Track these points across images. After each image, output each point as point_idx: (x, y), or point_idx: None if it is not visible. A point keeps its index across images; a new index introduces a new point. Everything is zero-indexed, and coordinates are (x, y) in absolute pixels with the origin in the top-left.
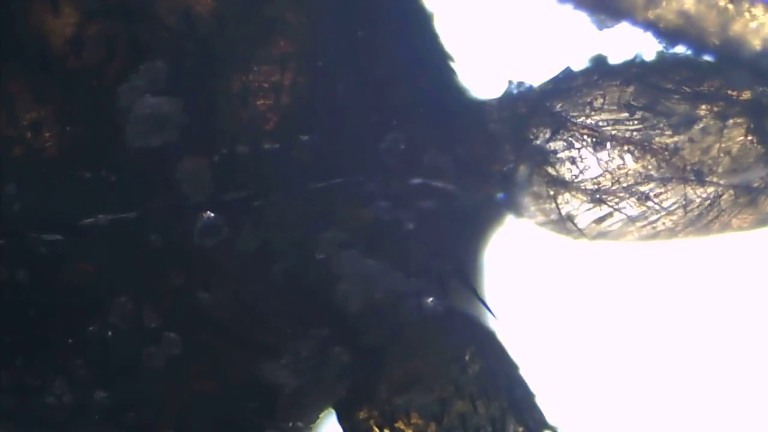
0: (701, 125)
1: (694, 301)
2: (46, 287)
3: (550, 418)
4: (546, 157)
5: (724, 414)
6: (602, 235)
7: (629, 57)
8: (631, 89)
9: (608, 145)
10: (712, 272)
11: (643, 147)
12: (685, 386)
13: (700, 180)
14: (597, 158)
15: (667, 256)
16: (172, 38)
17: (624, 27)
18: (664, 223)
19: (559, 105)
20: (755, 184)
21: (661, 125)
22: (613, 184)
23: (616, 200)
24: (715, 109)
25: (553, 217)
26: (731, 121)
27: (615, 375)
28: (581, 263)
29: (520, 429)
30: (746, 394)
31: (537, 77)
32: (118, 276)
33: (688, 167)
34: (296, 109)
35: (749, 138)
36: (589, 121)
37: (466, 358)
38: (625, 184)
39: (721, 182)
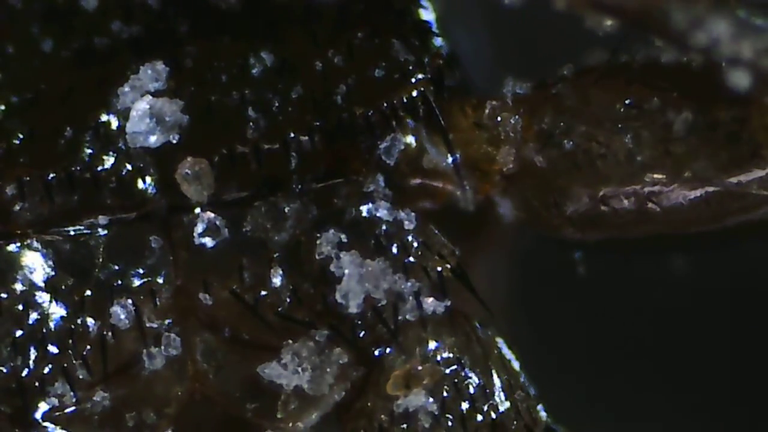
0: (689, 125)
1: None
2: (47, 287)
3: (551, 419)
4: (544, 158)
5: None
6: (600, 234)
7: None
8: (625, 89)
9: (607, 146)
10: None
11: (641, 147)
12: (685, 385)
13: (696, 180)
14: (596, 159)
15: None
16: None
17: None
18: (662, 222)
19: (556, 106)
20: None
21: (656, 125)
22: (612, 184)
23: (616, 200)
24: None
25: (552, 216)
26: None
27: (614, 373)
28: (579, 262)
29: (521, 430)
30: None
31: (535, 79)
32: (117, 276)
33: (686, 168)
34: (296, 110)
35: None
36: (586, 123)
37: (466, 358)
38: (624, 186)
39: (719, 181)
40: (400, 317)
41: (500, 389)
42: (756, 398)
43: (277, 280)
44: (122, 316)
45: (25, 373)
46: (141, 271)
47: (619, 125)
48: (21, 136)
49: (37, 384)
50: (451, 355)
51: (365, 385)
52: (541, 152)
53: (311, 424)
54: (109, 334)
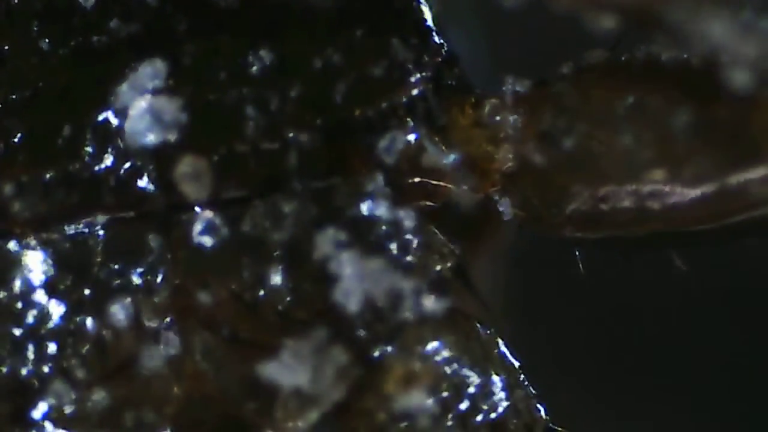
0: (689, 124)
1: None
2: (45, 286)
3: (551, 419)
4: (544, 156)
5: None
6: (600, 233)
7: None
8: (626, 88)
9: (607, 145)
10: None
11: (641, 147)
12: (683, 383)
13: (696, 180)
14: (596, 157)
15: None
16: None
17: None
18: (663, 221)
19: (556, 105)
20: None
21: (656, 125)
22: (612, 183)
23: (616, 199)
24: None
25: (552, 215)
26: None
27: (614, 373)
28: (579, 261)
29: (521, 430)
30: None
31: (534, 77)
32: (115, 275)
33: (686, 167)
34: (295, 108)
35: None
36: (586, 121)
37: (466, 358)
38: (624, 185)
39: (719, 181)
40: (399, 317)
41: (500, 389)
42: (756, 398)
43: (276, 280)
44: (121, 315)
45: (23, 372)
46: (140, 270)
47: (619, 124)
48: (19, 134)
49: (35, 383)
50: (450, 354)
51: (365, 385)
52: (540, 151)
53: (310, 424)
54: (108, 333)
